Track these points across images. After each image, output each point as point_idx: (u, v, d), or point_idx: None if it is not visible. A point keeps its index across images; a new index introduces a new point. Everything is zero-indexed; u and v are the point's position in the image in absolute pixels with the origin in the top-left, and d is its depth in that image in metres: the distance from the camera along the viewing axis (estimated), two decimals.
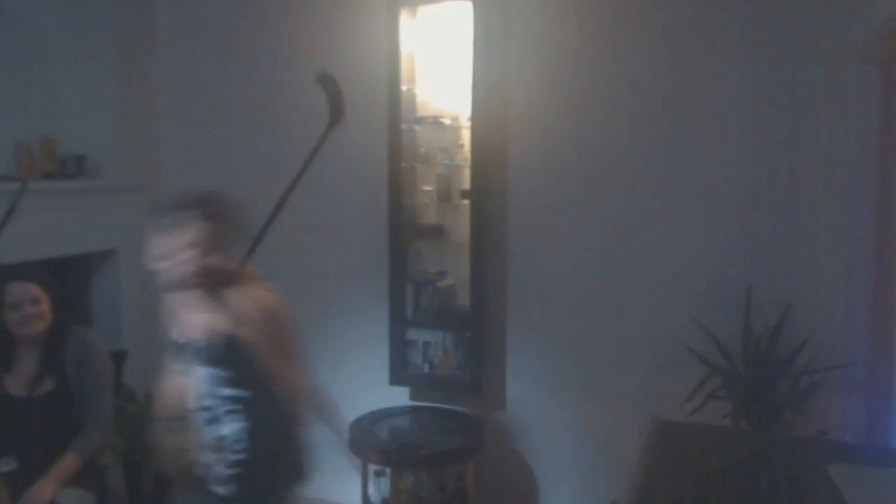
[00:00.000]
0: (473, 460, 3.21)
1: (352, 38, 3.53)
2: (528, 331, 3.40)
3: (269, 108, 3.76)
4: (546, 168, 3.31)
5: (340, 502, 3.72)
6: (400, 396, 3.58)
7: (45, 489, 2.46)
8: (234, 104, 3.84)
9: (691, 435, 2.40)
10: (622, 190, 3.20)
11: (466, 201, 3.30)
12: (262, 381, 1.90)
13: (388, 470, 3.20)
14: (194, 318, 1.92)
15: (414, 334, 3.47)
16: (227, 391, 1.95)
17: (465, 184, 3.32)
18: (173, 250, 1.84)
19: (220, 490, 1.98)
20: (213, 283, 1.87)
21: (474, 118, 3.22)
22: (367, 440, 3.18)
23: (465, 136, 3.31)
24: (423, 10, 3.36)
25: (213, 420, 1.97)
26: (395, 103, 3.33)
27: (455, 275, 3.46)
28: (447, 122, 3.37)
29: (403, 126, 3.35)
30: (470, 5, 3.16)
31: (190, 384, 1.99)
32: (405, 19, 3.32)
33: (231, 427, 1.95)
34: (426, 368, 3.47)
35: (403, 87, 3.34)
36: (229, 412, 1.95)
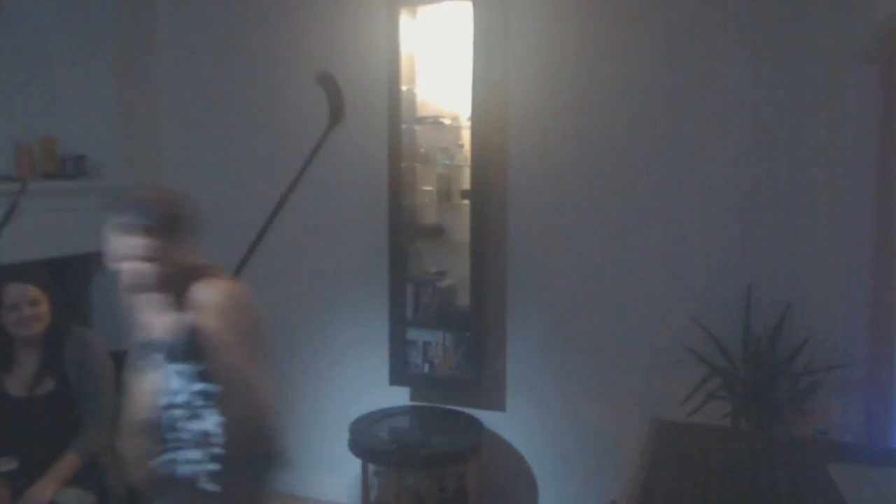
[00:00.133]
0: (473, 460, 3.22)
1: (352, 38, 3.53)
2: (527, 331, 3.40)
3: (269, 108, 3.76)
4: (546, 168, 3.31)
5: (340, 502, 3.72)
6: (400, 396, 3.58)
7: (45, 489, 2.46)
8: (234, 104, 3.84)
9: (691, 435, 2.40)
10: (622, 190, 3.20)
11: (466, 201, 3.30)
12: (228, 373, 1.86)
13: (388, 470, 3.20)
14: (159, 316, 1.91)
15: (414, 334, 3.47)
16: (199, 386, 1.93)
17: (465, 184, 3.32)
18: (133, 250, 1.81)
19: (208, 486, 1.98)
20: (175, 279, 1.86)
21: (474, 118, 3.22)
22: (367, 440, 3.18)
23: (465, 136, 3.31)
24: (423, 10, 3.36)
25: (193, 416, 1.96)
26: (395, 103, 3.33)
27: (455, 275, 3.46)
28: (447, 122, 3.37)
29: (403, 126, 3.35)
30: (470, 5, 3.16)
31: (160, 384, 1.98)
32: (405, 19, 3.32)
33: (212, 421, 1.94)
34: (426, 368, 3.47)
35: (403, 87, 3.34)
36: (205, 407, 1.94)
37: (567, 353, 3.33)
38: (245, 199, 3.73)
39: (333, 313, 3.71)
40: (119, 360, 3.16)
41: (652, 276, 3.17)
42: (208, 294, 1.82)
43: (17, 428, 2.56)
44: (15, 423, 2.56)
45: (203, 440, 1.95)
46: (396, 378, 3.49)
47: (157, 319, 1.92)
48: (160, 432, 2.00)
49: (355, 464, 3.27)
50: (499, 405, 3.47)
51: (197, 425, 1.95)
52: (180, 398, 1.96)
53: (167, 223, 1.85)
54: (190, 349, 1.88)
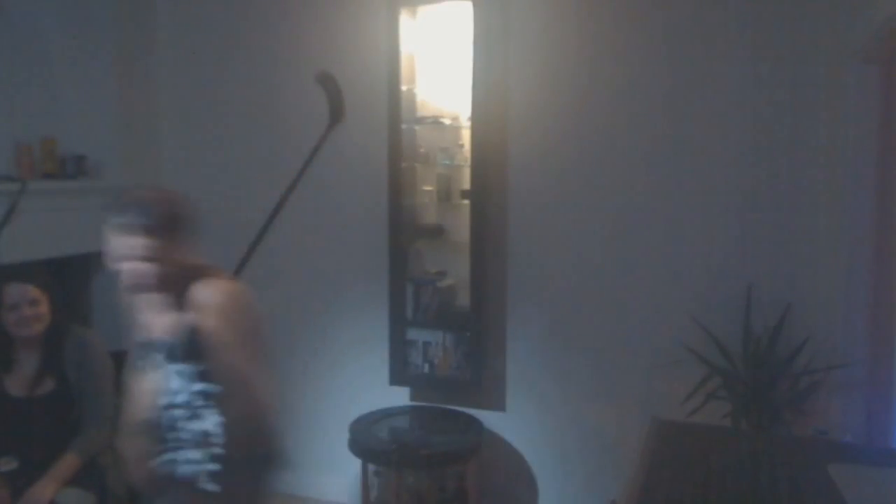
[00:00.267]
0: (473, 460, 3.21)
1: (352, 38, 3.53)
2: (527, 331, 3.40)
3: (269, 108, 3.76)
4: (546, 168, 3.31)
5: (340, 502, 3.72)
6: (400, 396, 3.58)
7: (45, 489, 2.46)
8: (234, 104, 3.84)
9: (691, 435, 2.39)
10: (622, 190, 3.20)
11: (466, 201, 3.30)
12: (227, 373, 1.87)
13: (388, 470, 3.20)
14: (159, 316, 1.91)
15: (414, 334, 3.47)
16: (199, 386, 1.93)
17: (465, 184, 3.32)
18: (133, 250, 1.81)
19: (208, 486, 1.98)
20: (175, 279, 1.86)
21: (474, 118, 3.22)
22: (367, 440, 3.18)
23: (465, 136, 3.31)
24: (423, 10, 3.36)
25: (193, 416, 1.96)
26: (395, 103, 3.33)
27: (455, 275, 3.46)
28: (447, 122, 3.37)
29: (403, 126, 3.35)
30: (470, 5, 3.16)
31: (160, 384, 1.98)
32: (405, 19, 3.32)
33: (212, 421, 1.94)
34: (426, 368, 3.47)
35: (403, 87, 3.34)
36: (205, 407, 1.94)
37: (567, 353, 3.33)
38: (245, 199, 3.74)
39: (333, 313, 3.71)
40: (119, 360, 3.16)
41: (652, 276, 3.17)
42: (208, 294, 1.82)
43: (17, 428, 2.56)
44: (15, 423, 2.56)
45: (203, 440, 1.94)
46: (396, 378, 3.49)
47: (157, 319, 1.92)
48: (160, 432, 2.00)
49: (355, 464, 3.27)
50: (499, 405, 3.47)
51: (197, 425, 1.95)
52: (180, 398, 1.96)
53: (167, 223, 1.85)
54: (190, 349, 1.88)
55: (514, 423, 3.45)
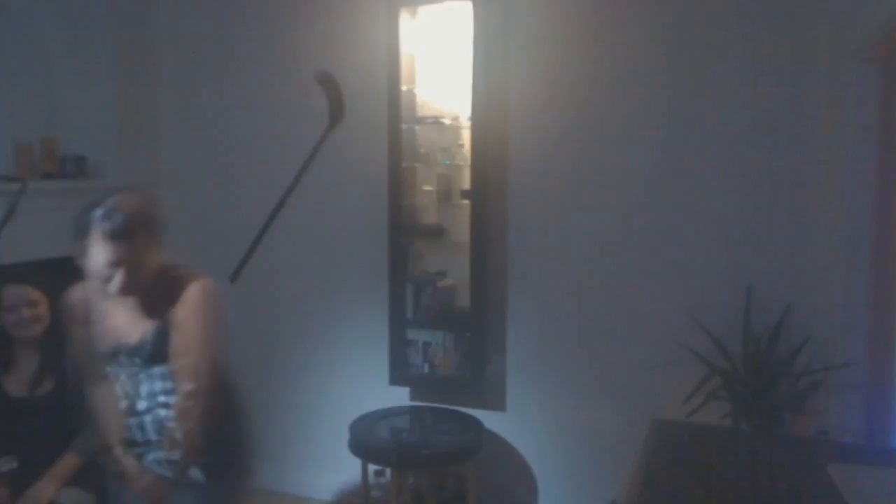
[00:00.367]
0: (473, 460, 3.21)
1: (352, 38, 3.53)
2: (527, 331, 3.40)
3: (269, 108, 3.76)
4: (546, 168, 3.31)
5: (340, 502, 3.72)
6: (400, 396, 3.58)
7: (45, 489, 2.46)
8: (234, 104, 3.84)
9: (691, 435, 2.39)
10: (622, 190, 3.20)
11: (466, 201, 3.30)
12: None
13: (388, 470, 3.20)
14: (133, 320, 1.93)
15: (414, 334, 3.47)
16: (171, 385, 1.95)
17: (465, 184, 3.32)
18: (111, 255, 1.82)
19: (191, 479, 2.00)
20: (151, 282, 1.89)
21: (474, 118, 3.22)
22: (367, 440, 3.18)
23: (465, 136, 3.31)
24: (423, 10, 3.36)
25: (168, 417, 1.97)
26: (395, 103, 3.33)
27: (455, 275, 3.46)
28: (447, 122, 3.37)
29: (403, 126, 3.35)
30: (470, 5, 3.16)
31: (133, 388, 1.99)
32: (405, 19, 3.32)
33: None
34: (426, 368, 3.47)
35: (403, 87, 3.34)
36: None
37: (567, 353, 3.33)
38: (245, 199, 3.73)
39: (333, 313, 3.71)
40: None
41: (652, 277, 3.17)
42: (185, 295, 1.91)
43: (17, 428, 2.56)
44: (15, 423, 2.56)
45: (175, 438, 1.96)
46: (396, 378, 3.49)
47: (130, 323, 1.94)
48: (136, 436, 2.02)
49: (355, 464, 3.27)
50: (499, 405, 3.47)
51: (171, 424, 1.97)
52: (159, 400, 1.98)
53: (143, 227, 1.87)
54: (164, 351, 1.91)
55: (514, 423, 3.45)
